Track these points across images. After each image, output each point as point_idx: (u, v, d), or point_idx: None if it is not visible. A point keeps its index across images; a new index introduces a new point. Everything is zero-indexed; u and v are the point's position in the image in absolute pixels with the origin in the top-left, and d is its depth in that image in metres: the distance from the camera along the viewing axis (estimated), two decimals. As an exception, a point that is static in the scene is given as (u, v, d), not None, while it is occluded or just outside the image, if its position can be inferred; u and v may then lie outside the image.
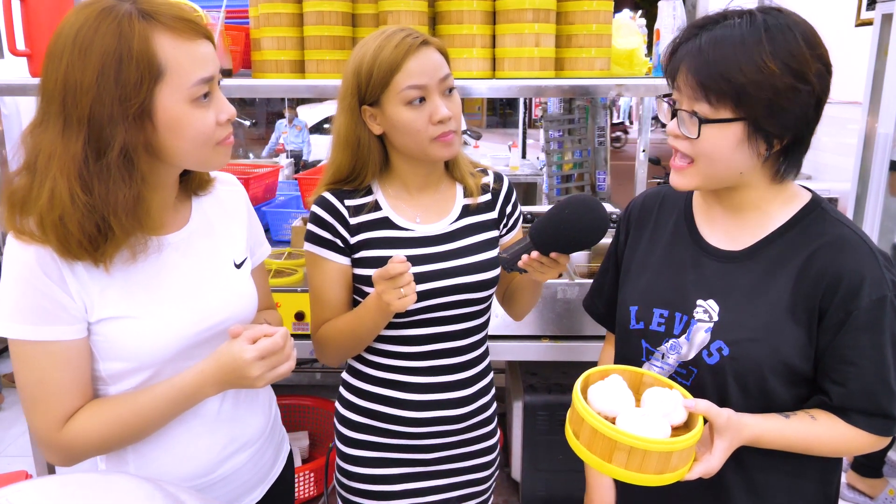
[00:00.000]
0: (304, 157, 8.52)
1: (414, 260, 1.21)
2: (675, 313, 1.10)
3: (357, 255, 1.26)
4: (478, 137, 5.42)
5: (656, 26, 2.15)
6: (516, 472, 2.45)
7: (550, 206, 1.14)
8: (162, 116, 0.94)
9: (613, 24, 2.03)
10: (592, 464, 0.94)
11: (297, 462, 2.66)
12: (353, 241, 1.26)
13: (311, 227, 1.28)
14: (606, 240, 1.23)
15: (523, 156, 5.80)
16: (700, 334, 1.07)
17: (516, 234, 1.40)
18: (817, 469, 1.09)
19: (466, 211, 1.32)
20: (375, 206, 1.27)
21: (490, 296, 1.33)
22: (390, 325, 1.25)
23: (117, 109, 0.90)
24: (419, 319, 1.27)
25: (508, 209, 1.38)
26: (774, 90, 0.94)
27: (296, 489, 2.43)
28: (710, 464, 0.95)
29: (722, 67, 0.95)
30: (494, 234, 1.35)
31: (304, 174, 2.99)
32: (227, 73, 1.97)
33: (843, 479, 2.64)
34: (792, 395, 1.04)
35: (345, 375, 1.39)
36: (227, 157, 1.04)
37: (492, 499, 1.49)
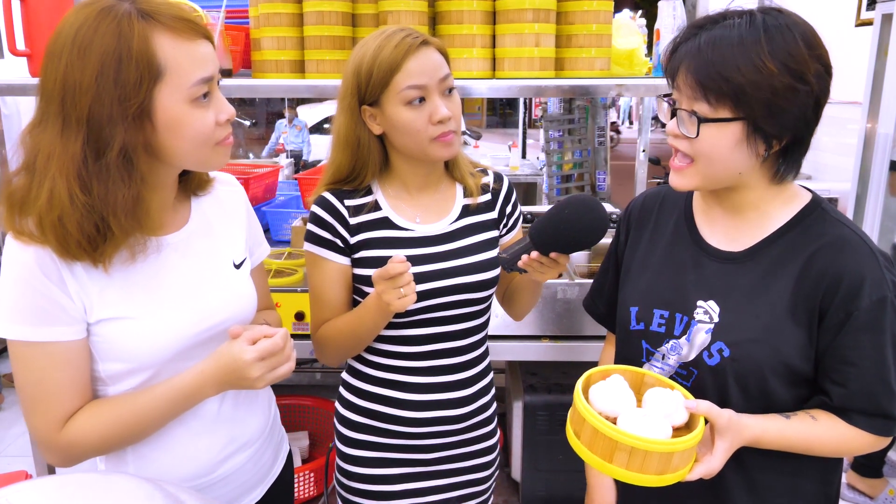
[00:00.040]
0: (304, 157, 8.52)
1: (414, 260, 1.20)
2: (675, 314, 1.10)
3: (357, 255, 1.26)
4: (478, 137, 5.42)
5: (656, 26, 2.15)
6: (516, 472, 2.45)
7: (550, 206, 1.14)
8: (161, 116, 0.93)
9: (613, 24, 2.03)
10: (593, 464, 0.94)
11: (297, 462, 2.66)
12: (352, 241, 1.26)
13: (310, 227, 1.28)
14: (606, 240, 1.23)
15: (523, 156, 5.80)
16: (700, 335, 1.06)
17: (516, 234, 1.40)
18: (817, 469, 1.09)
19: (466, 211, 1.32)
20: (375, 206, 1.27)
21: (490, 296, 1.33)
22: (390, 325, 1.25)
23: (116, 109, 0.90)
24: (419, 319, 1.27)
25: (508, 209, 1.38)
26: (773, 90, 0.94)
27: (296, 489, 2.44)
28: (710, 465, 0.95)
29: (721, 67, 0.95)
30: (494, 234, 1.35)
31: (304, 174, 2.99)
32: (227, 73, 1.97)
33: (843, 479, 2.64)
34: (792, 396, 1.04)
35: (345, 375, 1.39)
36: (227, 158, 1.04)
37: (492, 499, 1.49)
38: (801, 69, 0.94)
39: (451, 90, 1.22)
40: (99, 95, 0.89)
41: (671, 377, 1.10)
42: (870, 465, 2.62)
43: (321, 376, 3.44)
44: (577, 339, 2.08)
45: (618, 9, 2.18)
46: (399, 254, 1.10)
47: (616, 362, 1.23)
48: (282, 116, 9.06)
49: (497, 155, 5.92)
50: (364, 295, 1.27)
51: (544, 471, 2.36)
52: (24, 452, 2.99)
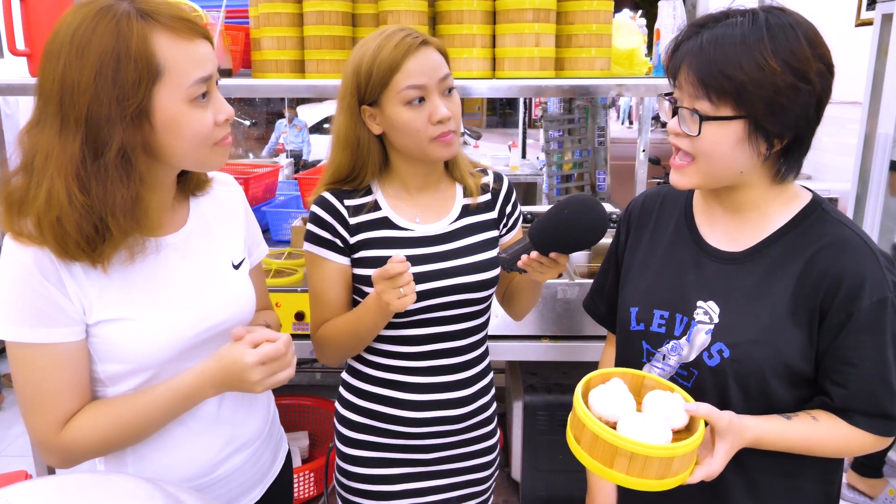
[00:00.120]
0: (303, 157, 8.51)
1: (413, 260, 1.20)
2: (675, 314, 1.10)
3: (357, 255, 1.26)
4: (478, 137, 5.41)
5: (656, 26, 2.15)
6: (516, 472, 2.44)
7: (550, 206, 1.14)
8: (160, 116, 0.93)
9: (613, 24, 2.03)
10: (594, 469, 0.94)
11: (297, 462, 2.66)
12: (352, 240, 1.26)
13: (310, 226, 1.27)
14: (606, 240, 1.23)
15: (523, 156, 5.79)
16: (700, 336, 1.06)
17: (516, 234, 1.40)
18: (818, 470, 1.09)
19: (466, 211, 1.32)
20: (375, 206, 1.27)
21: (490, 296, 1.33)
22: (390, 325, 1.25)
23: (115, 109, 0.89)
24: (419, 319, 1.26)
25: (508, 209, 1.37)
26: (775, 88, 0.94)
27: (296, 489, 2.44)
28: (711, 467, 0.95)
29: (723, 65, 0.95)
30: (494, 233, 1.35)
31: (303, 174, 2.99)
32: (226, 73, 1.97)
33: (843, 479, 2.64)
34: (793, 397, 1.04)
35: (344, 375, 1.38)
36: (226, 158, 1.04)
37: (492, 499, 1.49)
38: (803, 68, 0.94)
39: (450, 90, 1.21)
40: (97, 95, 0.88)
41: (671, 378, 1.10)
42: (870, 465, 2.62)
43: (321, 376, 3.44)
44: (577, 339, 2.07)
45: (618, 9, 2.17)
46: (399, 254, 1.10)
47: (617, 363, 1.23)
48: (282, 116, 9.06)
49: (497, 155, 5.91)
50: (364, 295, 1.27)
51: (544, 471, 2.36)
52: (24, 452, 2.99)
